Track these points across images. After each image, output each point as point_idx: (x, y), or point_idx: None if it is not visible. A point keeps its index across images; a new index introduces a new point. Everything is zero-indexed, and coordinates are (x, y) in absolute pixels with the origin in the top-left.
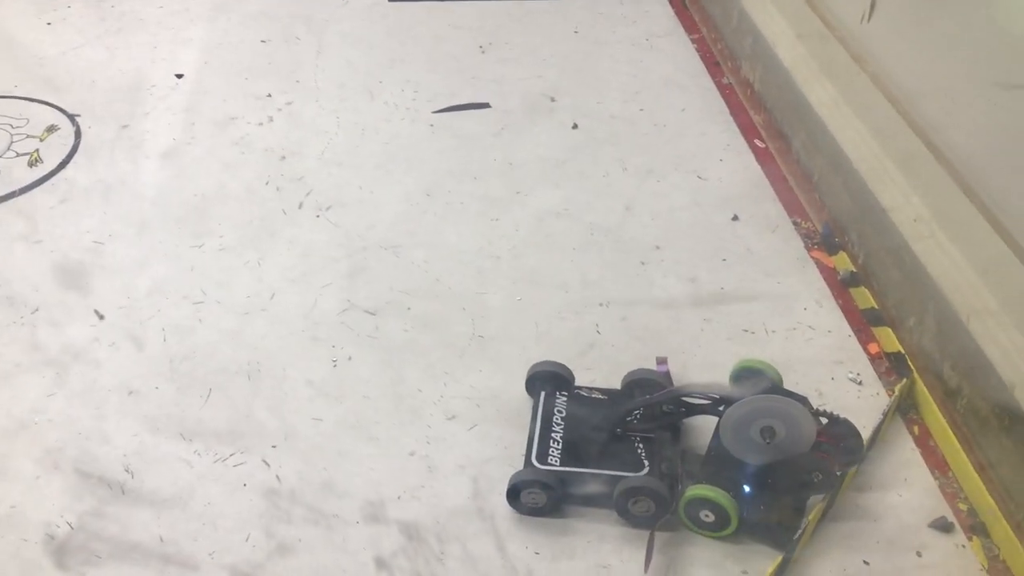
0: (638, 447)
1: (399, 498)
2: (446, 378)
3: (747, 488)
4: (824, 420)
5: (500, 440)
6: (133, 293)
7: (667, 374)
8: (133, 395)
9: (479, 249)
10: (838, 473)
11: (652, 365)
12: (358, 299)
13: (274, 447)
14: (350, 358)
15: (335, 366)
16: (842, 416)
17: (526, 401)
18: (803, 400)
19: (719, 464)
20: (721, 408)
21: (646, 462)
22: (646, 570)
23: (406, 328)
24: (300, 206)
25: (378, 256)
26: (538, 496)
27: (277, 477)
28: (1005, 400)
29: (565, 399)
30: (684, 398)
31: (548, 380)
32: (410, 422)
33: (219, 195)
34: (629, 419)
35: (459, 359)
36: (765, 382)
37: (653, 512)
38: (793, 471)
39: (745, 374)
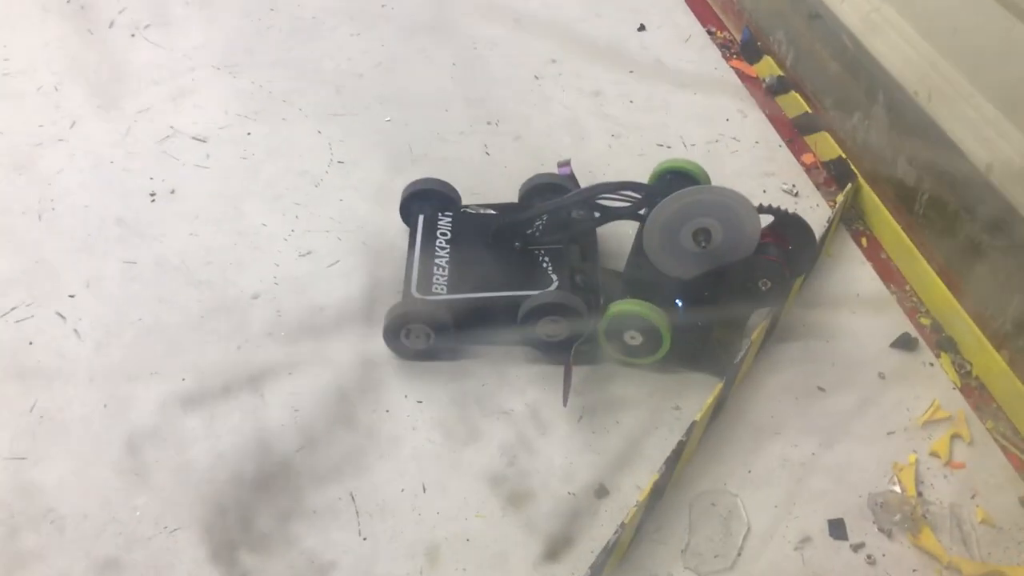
0: (543, 261)
1: (238, 348)
2: (298, 210)
3: (679, 302)
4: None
5: (368, 277)
6: None
7: (572, 177)
8: None
9: (336, 67)
10: (789, 280)
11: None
12: (183, 125)
13: (72, 297)
14: (173, 191)
15: (153, 201)
16: (789, 210)
17: (402, 232)
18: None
19: (644, 276)
20: (643, 212)
21: (554, 276)
22: (565, 403)
23: (245, 156)
24: (111, 24)
25: (210, 77)
26: (423, 333)
27: (76, 331)
28: (978, 186)
29: (449, 220)
30: (596, 200)
31: (428, 201)
32: (253, 261)
33: (6, 15)
34: (530, 230)
35: (314, 188)
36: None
37: (568, 334)
38: (735, 280)
39: (667, 179)
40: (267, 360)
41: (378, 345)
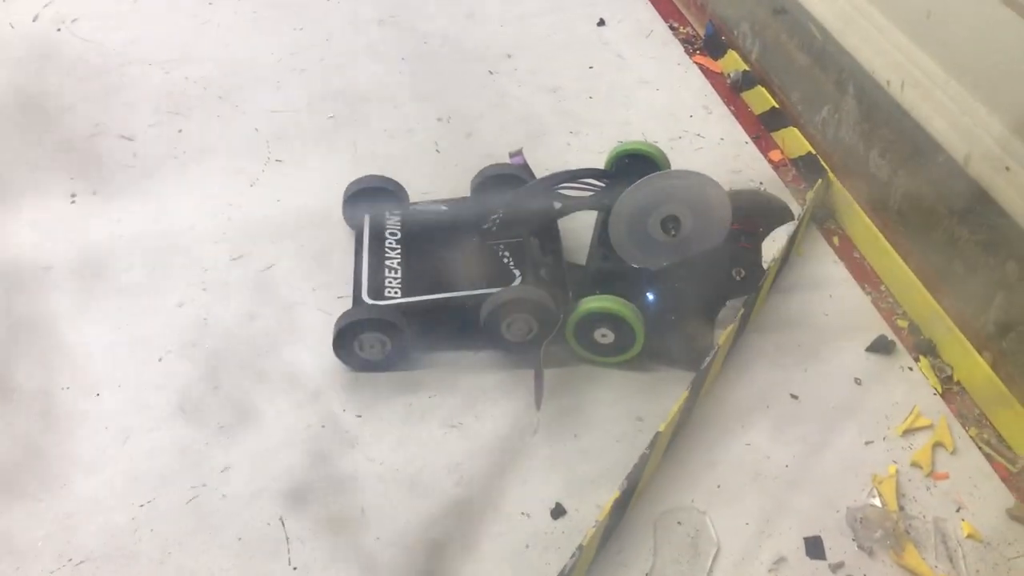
0: (504, 257)
1: (161, 359)
2: (230, 211)
3: (650, 295)
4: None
5: (306, 282)
6: None
7: (525, 166)
8: None
9: (277, 62)
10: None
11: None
12: (111, 122)
13: None
14: (95, 192)
15: (73, 202)
16: (759, 186)
17: (345, 233)
18: None
19: (611, 268)
20: (606, 200)
21: (516, 271)
22: (538, 407)
23: (175, 155)
24: (35, 18)
25: (141, 74)
26: (378, 342)
27: None
28: (956, 178)
29: (398, 219)
30: (557, 190)
31: (373, 200)
32: (179, 267)
33: None
34: (487, 225)
35: (249, 188)
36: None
37: (536, 332)
38: (708, 269)
39: (625, 163)
40: (191, 374)
41: (314, 356)
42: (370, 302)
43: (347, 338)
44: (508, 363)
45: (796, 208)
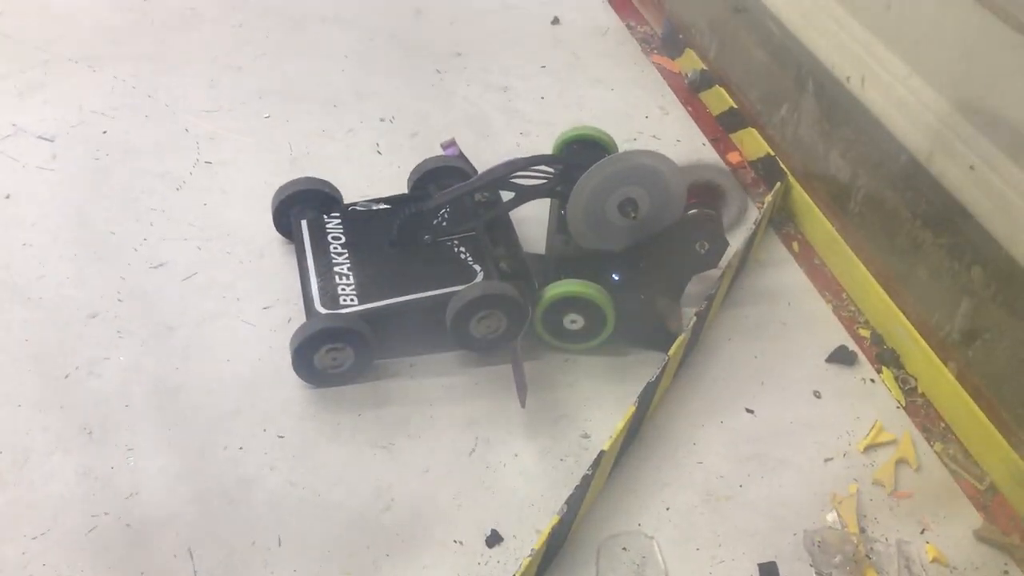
0: (461, 252)
1: (68, 376)
2: (153, 216)
3: (616, 276)
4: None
5: (229, 291)
6: None
7: (461, 156)
8: None
9: (213, 60)
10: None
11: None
12: (28, 123)
13: None
14: (8, 196)
15: None
16: (706, 160)
17: (275, 240)
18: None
19: (574, 253)
20: (559, 188)
21: (477, 267)
22: (523, 405)
23: (97, 156)
24: None
25: (65, 71)
26: (341, 353)
27: None
28: (918, 178)
29: (339, 221)
30: (509, 179)
31: (306, 203)
32: (94, 275)
33: None
34: (436, 220)
35: (175, 192)
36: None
37: (506, 327)
38: (671, 245)
39: (573, 149)
40: (101, 390)
41: (236, 371)
42: (325, 311)
43: (306, 353)
44: (447, 371)
45: (755, 213)
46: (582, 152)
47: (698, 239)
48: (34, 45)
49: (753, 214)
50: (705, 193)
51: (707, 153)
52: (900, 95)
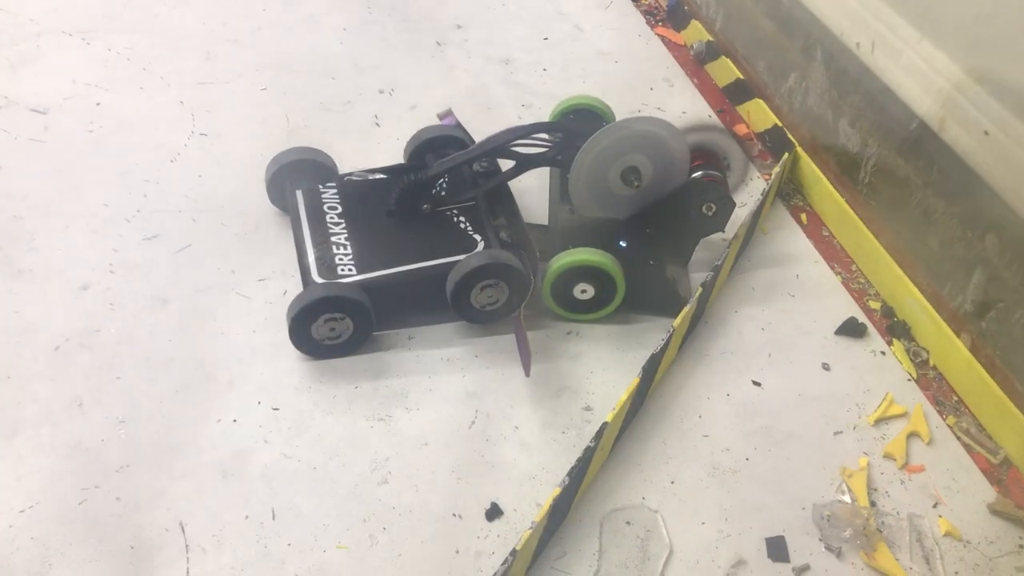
0: (460, 222)
1: (58, 348)
2: (147, 188)
3: (623, 243)
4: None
5: (224, 263)
6: None
7: (458, 125)
8: None
9: (209, 32)
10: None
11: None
12: (20, 95)
13: None
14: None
15: None
16: (704, 120)
17: (270, 211)
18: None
19: (579, 222)
20: (560, 157)
21: (477, 236)
22: (527, 374)
23: (91, 128)
24: None
25: (58, 44)
26: (339, 323)
27: None
28: (930, 145)
29: (335, 191)
30: (510, 147)
31: (301, 174)
32: (86, 246)
33: None
34: (435, 189)
35: (170, 164)
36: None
37: (508, 297)
38: (678, 210)
39: (570, 119)
40: (92, 362)
41: (230, 343)
42: (322, 281)
43: (304, 322)
44: (446, 343)
45: (762, 185)
46: (578, 122)
47: (704, 202)
48: (27, 17)
49: (758, 183)
50: (707, 155)
51: None
52: (911, 61)
